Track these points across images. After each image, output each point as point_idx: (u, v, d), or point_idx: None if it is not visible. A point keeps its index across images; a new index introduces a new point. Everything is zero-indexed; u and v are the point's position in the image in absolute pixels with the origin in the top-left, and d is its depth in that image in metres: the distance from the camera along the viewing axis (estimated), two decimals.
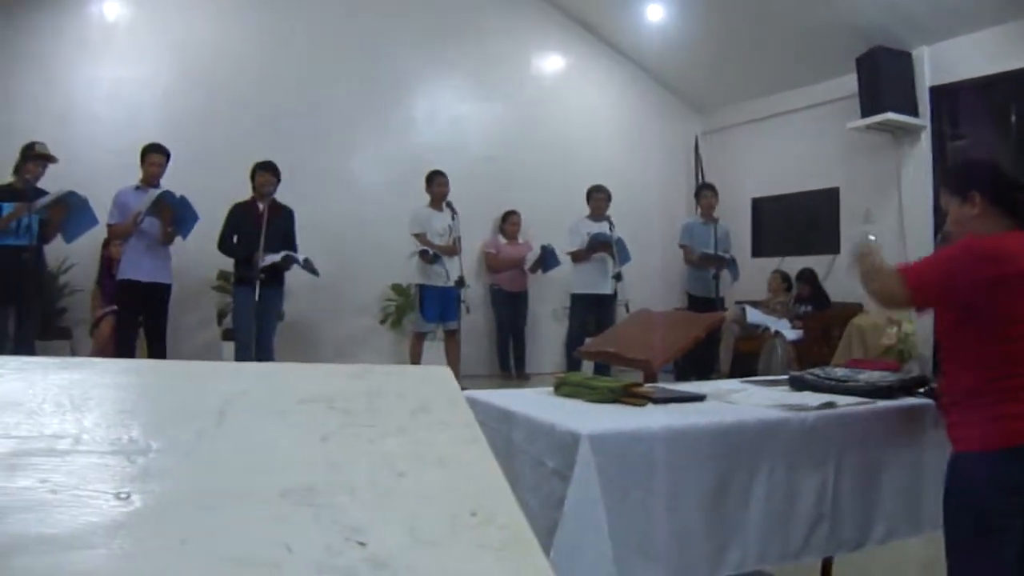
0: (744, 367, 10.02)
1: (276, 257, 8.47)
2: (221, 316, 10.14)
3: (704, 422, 2.88)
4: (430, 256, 9.72)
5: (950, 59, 9.99)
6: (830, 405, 3.21)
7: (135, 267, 8.34)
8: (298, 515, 1.00)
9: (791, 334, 10.05)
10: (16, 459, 1.07)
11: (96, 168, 9.03)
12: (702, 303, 10.43)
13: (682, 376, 8.80)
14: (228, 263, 9.23)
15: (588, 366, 9.22)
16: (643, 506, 2.67)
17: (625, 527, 2.61)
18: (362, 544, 0.95)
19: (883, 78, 10.16)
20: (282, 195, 8.92)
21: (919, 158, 10.29)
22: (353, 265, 10.96)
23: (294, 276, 9.11)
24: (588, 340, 9.66)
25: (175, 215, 8.33)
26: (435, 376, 1.47)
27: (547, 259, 11.37)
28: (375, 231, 11.11)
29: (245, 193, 8.88)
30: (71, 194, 7.89)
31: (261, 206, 8.65)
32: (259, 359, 8.54)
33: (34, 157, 7.99)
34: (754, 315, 10.38)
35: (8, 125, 9.06)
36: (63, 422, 1.17)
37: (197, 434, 1.18)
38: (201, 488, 1.05)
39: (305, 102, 11.15)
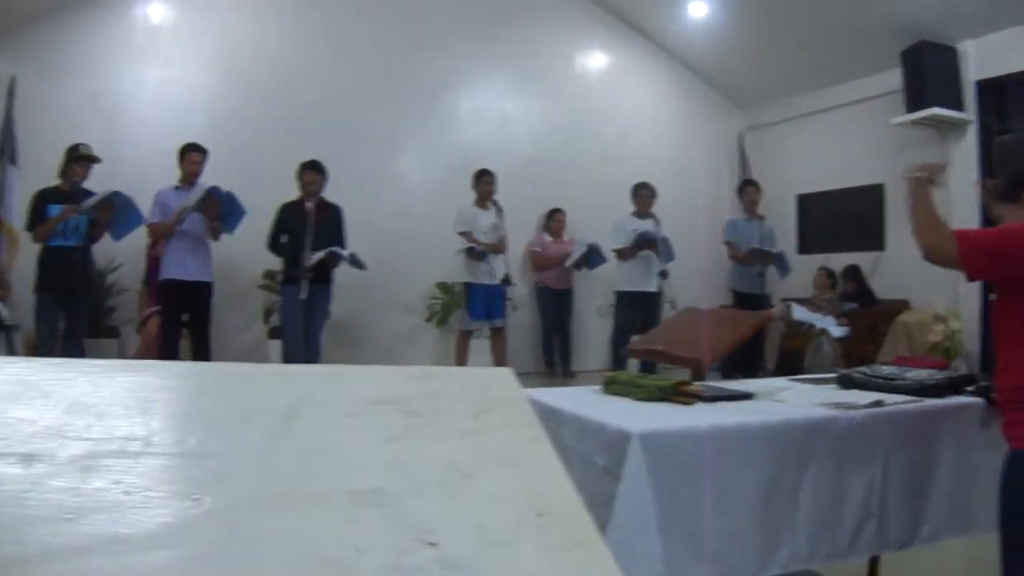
0: (790, 364, 9.95)
1: (321, 253, 8.50)
2: (267, 315, 10.19)
3: (753, 421, 2.88)
4: (477, 253, 9.75)
5: (996, 52, 9.89)
6: (879, 404, 3.19)
7: (178, 266, 8.41)
8: (368, 516, 1.02)
9: (837, 331, 9.94)
10: (90, 461, 1.09)
11: (143, 169, 9.13)
12: (748, 299, 10.39)
13: (728, 374, 8.75)
14: (274, 262, 9.32)
15: (633, 364, 9.20)
16: (692, 504, 2.67)
17: (675, 525, 2.61)
18: (432, 544, 0.96)
19: (928, 73, 10.06)
20: (327, 194, 8.96)
21: (965, 153, 10.16)
22: (399, 264, 10.97)
23: (341, 274, 9.14)
24: (634, 338, 9.67)
25: (221, 210, 8.39)
26: (497, 377, 1.48)
27: (592, 257, 11.33)
28: (421, 230, 11.13)
29: (291, 193, 8.92)
30: (116, 194, 7.98)
31: (308, 205, 8.70)
32: (306, 358, 8.59)
33: (79, 159, 8.09)
34: (800, 312, 10.27)
35: (57, 128, 9.17)
36: (132, 424, 1.19)
37: (264, 437, 1.19)
38: (271, 490, 1.07)
39: (350, 101, 11.19)
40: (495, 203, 9.79)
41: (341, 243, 8.81)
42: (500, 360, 9.81)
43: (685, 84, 13.75)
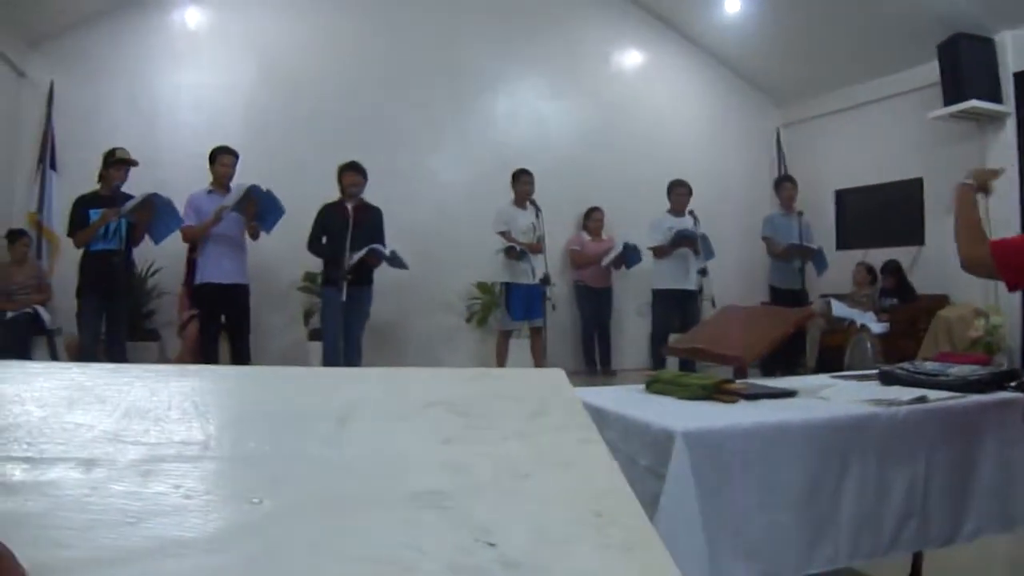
0: (830, 361, 9.90)
1: (363, 251, 8.49)
2: (307, 316, 10.22)
3: (796, 418, 2.87)
4: (517, 252, 9.74)
5: None
6: (922, 400, 3.17)
7: (213, 270, 8.43)
8: (427, 517, 1.03)
9: (877, 327, 9.92)
10: (149, 465, 1.11)
11: (182, 172, 9.14)
12: (786, 296, 10.38)
13: (768, 371, 8.71)
14: (314, 264, 9.35)
15: (672, 361, 9.19)
16: (736, 503, 2.66)
17: (719, 524, 2.61)
18: (492, 545, 0.97)
19: (965, 65, 9.97)
20: (366, 195, 8.97)
21: (1004, 145, 10.05)
22: (438, 264, 10.98)
23: (380, 276, 9.14)
24: (672, 336, 9.65)
25: (259, 209, 8.40)
26: (550, 378, 1.49)
27: (629, 255, 11.29)
28: (459, 230, 11.14)
29: (330, 195, 8.94)
30: (154, 195, 8.00)
31: (349, 206, 8.72)
32: (347, 359, 8.61)
33: (116, 163, 8.15)
34: (840, 308, 10.26)
35: (96, 133, 9.26)
36: (190, 429, 1.20)
37: (321, 440, 1.20)
38: (330, 493, 1.08)
39: (387, 103, 11.22)
40: (533, 202, 9.75)
41: (382, 244, 8.81)
42: (540, 360, 9.79)
43: (722, 81, 13.69)
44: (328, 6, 11.20)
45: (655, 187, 10.93)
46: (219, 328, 8.67)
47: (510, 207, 10.13)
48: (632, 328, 12.13)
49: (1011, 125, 10.04)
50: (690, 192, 10.63)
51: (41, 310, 8.83)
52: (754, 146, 13.72)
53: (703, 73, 13.54)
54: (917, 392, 3.29)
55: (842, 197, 12.92)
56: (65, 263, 9.01)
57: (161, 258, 9.54)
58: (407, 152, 11.12)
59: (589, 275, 11.61)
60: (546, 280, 9.44)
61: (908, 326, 10.15)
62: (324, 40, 11.06)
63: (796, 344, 10.16)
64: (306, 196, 8.92)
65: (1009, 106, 10.02)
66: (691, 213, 10.30)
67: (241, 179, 8.48)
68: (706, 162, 12.75)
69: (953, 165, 10.43)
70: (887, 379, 3.71)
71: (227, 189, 8.49)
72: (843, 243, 12.67)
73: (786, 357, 9.53)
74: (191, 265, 9.03)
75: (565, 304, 11.42)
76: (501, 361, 10.18)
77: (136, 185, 8.18)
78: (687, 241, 10.17)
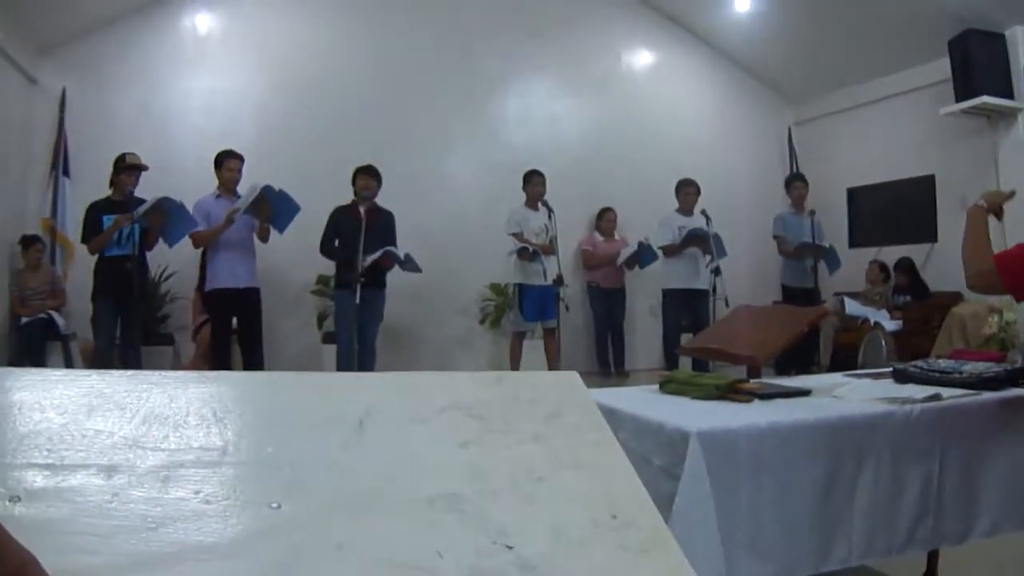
0: (844, 359, 9.89)
1: (376, 254, 8.49)
2: (321, 320, 10.22)
3: (811, 417, 2.86)
4: (529, 253, 9.72)
5: None
6: (936, 398, 3.16)
7: (224, 275, 8.43)
8: (446, 520, 1.04)
9: (890, 325, 9.91)
10: (169, 471, 1.11)
11: (194, 178, 9.13)
12: (799, 294, 10.33)
13: (782, 370, 8.70)
14: (327, 267, 9.35)
15: (685, 361, 9.17)
16: (751, 502, 2.66)
17: (734, 524, 2.60)
18: (509, 547, 0.98)
19: (976, 61, 9.92)
20: (378, 198, 8.99)
21: (1017, 141, 10.02)
22: (451, 266, 10.95)
23: (393, 278, 9.15)
24: (684, 336, 9.64)
25: (274, 209, 8.40)
26: (566, 381, 1.49)
27: (644, 255, 11.26)
28: (472, 232, 11.14)
29: (342, 198, 8.97)
30: (165, 199, 8.00)
31: (361, 209, 8.72)
32: (361, 362, 8.61)
33: (126, 168, 8.19)
34: (853, 307, 10.25)
35: (108, 139, 9.26)
36: (209, 435, 1.21)
37: (339, 444, 1.21)
38: (349, 497, 1.09)
39: (398, 105, 11.20)
40: (545, 203, 9.71)
41: (394, 247, 8.80)
42: (554, 361, 9.78)
43: (733, 80, 13.65)
44: (338, 10, 11.20)
45: (667, 187, 10.90)
46: (231, 332, 8.69)
47: (522, 208, 10.10)
48: (645, 328, 12.10)
49: (1023, 120, 10.00)
50: (698, 191, 10.61)
51: (55, 315, 8.87)
52: (766, 144, 13.68)
53: (714, 72, 13.51)
54: (931, 390, 3.28)
55: (854, 195, 12.87)
56: (79, 268, 9.04)
57: (174, 262, 9.54)
58: (419, 154, 11.10)
59: (601, 276, 11.58)
60: (559, 281, 9.41)
61: (922, 324, 10.12)
62: (334, 44, 11.06)
63: (810, 343, 10.14)
64: (318, 200, 8.92)
65: (1021, 101, 9.98)
66: (704, 212, 10.25)
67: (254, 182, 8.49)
68: (718, 161, 12.73)
69: (965, 161, 10.45)
70: (901, 377, 3.70)
71: (234, 193, 8.51)
72: (856, 241, 12.62)
73: (800, 356, 9.51)
74: (204, 269, 9.04)
75: (578, 305, 11.38)
76: (515, 363, 10.16)
77: (148, 190, 8.20)
78: (697, 240, 10.14)
